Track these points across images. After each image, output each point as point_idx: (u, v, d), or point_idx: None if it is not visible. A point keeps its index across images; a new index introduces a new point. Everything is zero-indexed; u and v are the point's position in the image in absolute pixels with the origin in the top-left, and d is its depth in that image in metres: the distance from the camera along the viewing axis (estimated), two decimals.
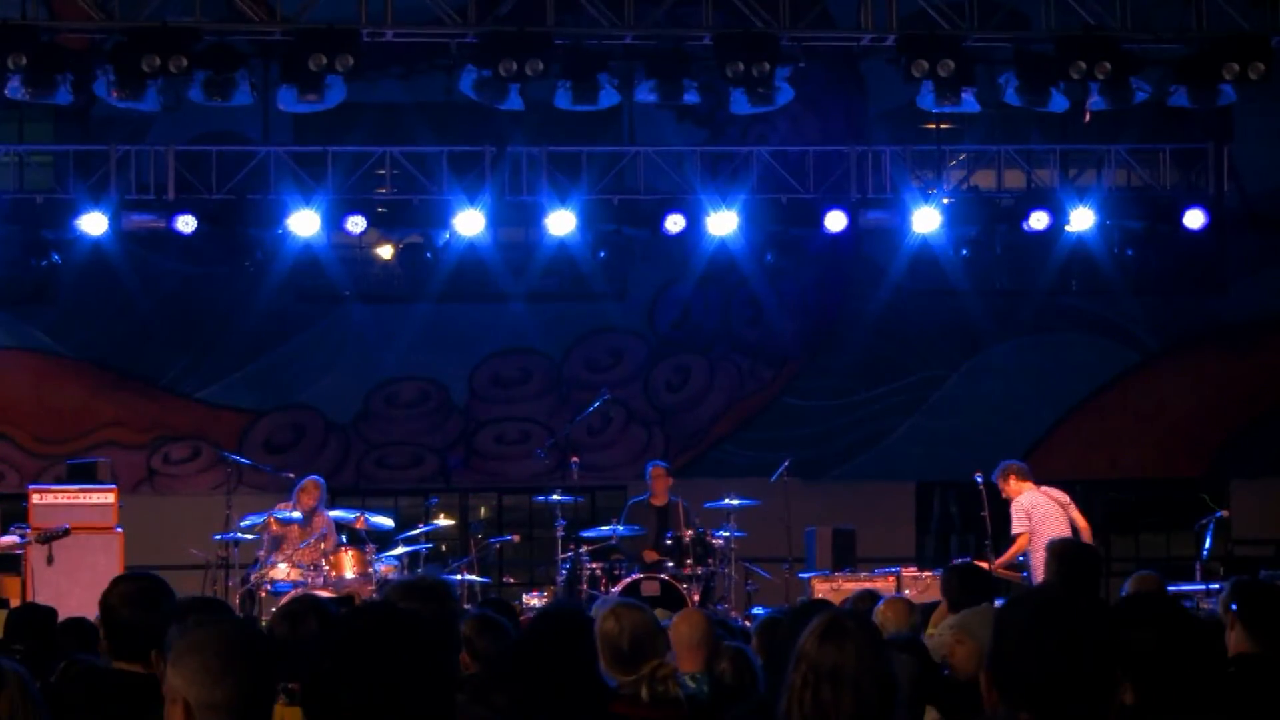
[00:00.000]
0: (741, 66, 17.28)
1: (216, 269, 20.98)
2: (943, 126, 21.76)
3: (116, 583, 6.40)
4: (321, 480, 18.12)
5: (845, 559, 18.75)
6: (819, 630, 4.98)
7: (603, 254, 20.74)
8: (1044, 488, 16.96)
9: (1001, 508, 17.01)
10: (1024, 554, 16.55)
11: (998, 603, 10.06)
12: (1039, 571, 16.00)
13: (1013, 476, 16.97)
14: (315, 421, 22.15)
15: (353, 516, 17.95)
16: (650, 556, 18.00)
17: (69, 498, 18.22)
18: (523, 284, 21.72)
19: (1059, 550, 9.10)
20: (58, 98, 17.32)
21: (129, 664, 6.23)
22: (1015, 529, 16.77)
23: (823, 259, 21.63)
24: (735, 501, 18.28)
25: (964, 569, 11.36)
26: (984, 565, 15.88)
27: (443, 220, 20.18)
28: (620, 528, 18.20)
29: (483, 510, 23.34)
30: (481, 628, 7.49)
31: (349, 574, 17.26)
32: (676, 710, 6.75)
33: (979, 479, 17.21)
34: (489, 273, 21.47)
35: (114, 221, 19.49)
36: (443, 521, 20.81)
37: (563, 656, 6.59)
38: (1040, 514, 16.68)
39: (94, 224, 19.38)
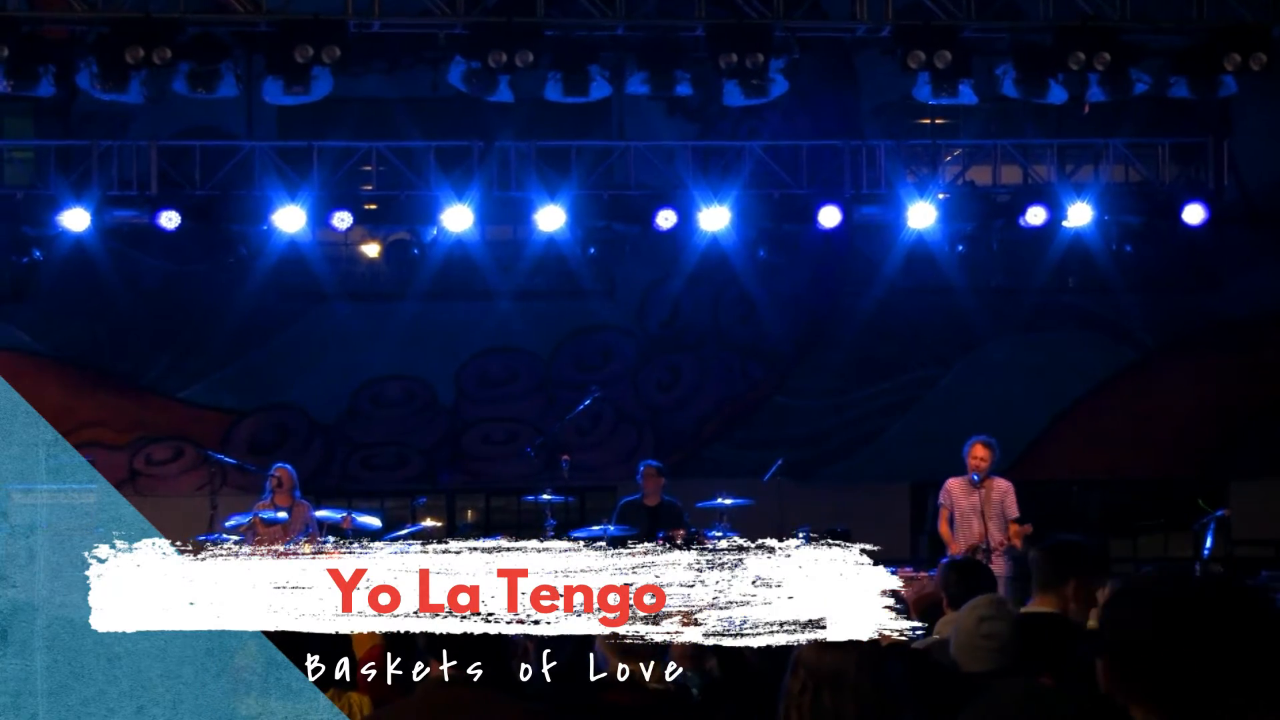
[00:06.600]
0: (735, 58, 17.15)
1: (200, 266, 20.73)
2: (938, 121, 21.56)
3: None
4: (290, 467, 17.82)
5: None
6: None
7: (592, 250, 20.53)
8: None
9: None
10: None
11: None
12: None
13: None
14: (300, 421, 21.85)
15: (339, 517, 17.70)
16: None
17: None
18: (511, 281, 21.45)
19: None
20: (39, 90, 17.19)
21: None
22: (1016, 512, 16.56)
23: (816, 255, 21.42)
24: (728, 501, 18.02)
25: (963, 564, 11.10)
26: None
27: (430, 216, 19.93)
28: (611, 527, 17.95)
29: (470, 513, 23.02)
30: None
31: None
32: (681, 701, 6.59)
33: (975, 479, 16.89)
34: (477, 270, 21.20)
35: (96, 218, 19.27)
36: (429, 523, 20.51)
37: None
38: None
39: (76, 220, 19.15)
